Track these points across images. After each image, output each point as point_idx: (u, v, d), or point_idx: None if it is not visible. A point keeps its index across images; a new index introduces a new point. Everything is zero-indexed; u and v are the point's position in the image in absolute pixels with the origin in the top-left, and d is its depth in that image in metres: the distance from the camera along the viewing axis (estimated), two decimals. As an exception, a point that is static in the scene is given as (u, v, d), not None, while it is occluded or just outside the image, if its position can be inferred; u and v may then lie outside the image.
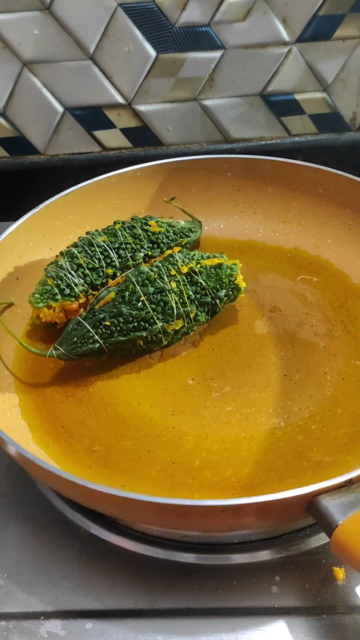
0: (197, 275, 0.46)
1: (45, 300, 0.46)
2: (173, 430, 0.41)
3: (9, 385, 0.45)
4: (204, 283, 0.46)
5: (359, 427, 0.40)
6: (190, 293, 0.45)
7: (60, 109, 0.66)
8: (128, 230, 0.50)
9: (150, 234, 0.50)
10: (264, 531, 0.38)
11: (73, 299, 0.47)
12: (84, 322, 0.43)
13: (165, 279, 0.45)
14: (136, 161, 0.58)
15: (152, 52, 0.62)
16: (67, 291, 0.46)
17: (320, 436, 0.40)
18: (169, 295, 0.44)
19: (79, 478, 0.32)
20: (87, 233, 0.50)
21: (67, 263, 0.47)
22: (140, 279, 0.44)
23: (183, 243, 0.53)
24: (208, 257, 0.48)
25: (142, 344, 0.45)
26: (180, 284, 0.45)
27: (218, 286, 0.46)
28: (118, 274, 0.48)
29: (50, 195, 0.54)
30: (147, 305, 0.44)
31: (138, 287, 0.44)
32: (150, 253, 0.50)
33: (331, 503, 0.30)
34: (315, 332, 0.47)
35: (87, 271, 0.47)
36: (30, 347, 0.44)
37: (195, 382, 0.44)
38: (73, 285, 0.46)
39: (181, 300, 0.45)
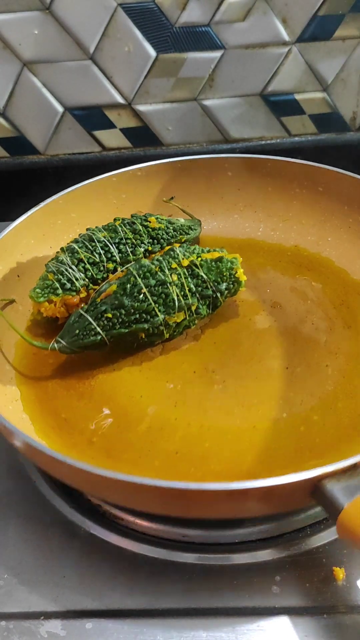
0: (198, 268, 0.46)
1: (46, 295, 0.46)
2: (175, 421, 0.41)
3: (11, 379, 0.45)
4: (204, 276, 0.46)
5: (360, 418, 0.40)
6: (192, 286, 0.45)
7: (60, 109, 0.66)
8: (128, 226, 0.50)
9: (150, 229, 0.51)
10: (264, 531, 0.38)
11: (74, 293, 0.47)
12: (85, 314, 0.44)
13: (167, 271, 0.45)
14: (136, 161, 0.58)
15: (152, 52, 0.62)
16: (68, 285, 0.46)
17: (322, 427, 0.40)
18: (170, 288, 0.44)
19: (84, 463, 0.32)
20: (87, 229, 0.50)
21: (68, 258, 0.47)
22: (141, 272, 0.44)
23: (183, 240, 0.53)
24: (208, 251, 0.48)
25: (143, 337, 0.45)
26: (181, 277, 0.45)
27: (219, 279, 0.46)
28: (119, 269, 0.48)
29: (51, 196, 0.54)
30: (149, 297, 0.44)
31: (139, 280, 0.44)
32: (150, 248, 0.50)
33: (336, 487, 0.30)
34: (316, 327, 0.48)
35: (87, 266, 0.47)
36: (32, 341, 0.45)
37: (197, 375, 0.44)
38: (74, 279, 0.47)
39: (182, 293, 0.45)
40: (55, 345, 0.44)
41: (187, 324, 0.47)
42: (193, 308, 0.46)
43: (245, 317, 0.49)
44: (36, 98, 0.65)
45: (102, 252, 0.48)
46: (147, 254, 0.50)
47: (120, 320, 0.43)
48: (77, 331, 0.43)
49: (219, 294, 0.47)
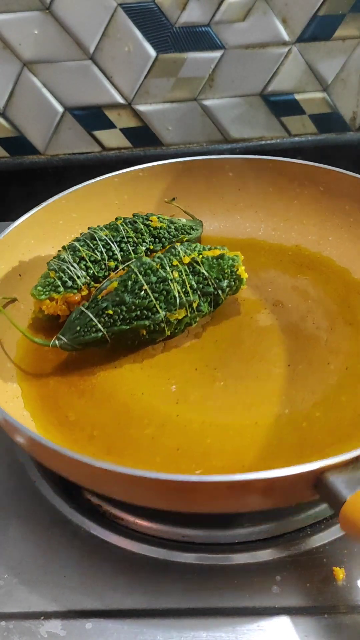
0: (199, 266, 0.46)
1: (47, 293, 0.46)
2: (177, 418, 0.41)
3: (12, 376, 0.45)
4: (206, 273, 0.46)
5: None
6: (193, 283, 0.45)
7: (60, 109, 0.66)
8: (130, 225, 0.50)
9: (152, 228, 0.51)
10: (264, 531, 0.38)
11: (75, 291, 0.47)
12: (86, 311, 0.44)
13: (168, 268, 0.45)
14: (136, 161, 0.58)
15: (152, 52, 0.62)
16: (70, 283, 0.46)
17: (325, 423, 0.40)
18: (171, 284, 0.44)
19: (87, 457, 0.32)
20: (89, 229, 0.50)
21: (70, 256, 0.47)
22: (142, 269, 0.44)
23: (184, 239, 0.53)
24: (210, 249, 0.48)
25: (145, 334, 0.45)
26: (182, 274, 0.45)
27: (220, 276, 0.46)
28: (120, 267, 0.48)
29: (51, 196, 0.54)
30: (150, 294, 0.44)
31: (140, 277, 0.44)
32: (152, 247, 0.50)
33: (338, 479, 0.30)
34: (317, 325, 0.48)
35: (89, 263, 0.47)
36: (33, 337, 0.45)
37: (199, 373, 0.44)
38: (75, 277, 0.47)
39: (184, 290, 0.45)
40: (57, 342, 0.44)
41: (189, 321, 0.47)
42: (194, 305, 0.46)
43: (247, 315, 0.49)
44: (36, 98, 0.65)
45: (103, 250, 0.48)
46: (149, 253, 0.50)
47: (121, 317, 0.43)
48: (78, 328, 0.43)
49: (220, 291, 0.47)
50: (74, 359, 0.46)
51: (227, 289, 0.47)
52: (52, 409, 0.43)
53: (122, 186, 0.57)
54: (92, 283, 0.48)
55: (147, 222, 0.51)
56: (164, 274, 0.44)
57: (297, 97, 0.66)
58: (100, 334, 0.43)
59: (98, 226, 0.50)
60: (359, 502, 0.29)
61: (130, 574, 0.37)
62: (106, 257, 0.48)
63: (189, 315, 0.46)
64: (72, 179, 0.57)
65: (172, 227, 0.53)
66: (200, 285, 0.46)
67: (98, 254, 0.48)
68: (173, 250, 0.47)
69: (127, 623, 0.35)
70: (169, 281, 0.44)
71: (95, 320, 0.43)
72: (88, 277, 0.47)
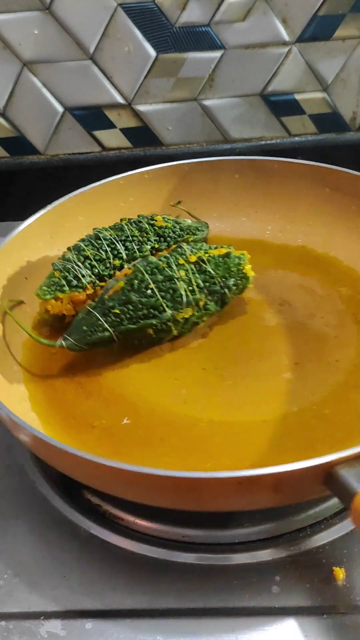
0: (206, 264, 0.46)
1: (52, 292, 0.46)
2: (185, 417, 0.41)
3: (19, 378, 0.45)
4: (212, 272, 0.46)
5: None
6: (199, 281, 0.45)
7: (60, 109, 0.66)
8: (134, 225, 0.50)
9: (156, 228, 0.51)
10: (264, 531, 0.38)
11: (80, 290, 0.46)
12: (93, 310, 0.43)
13: (174, 267, 0.45)
14: (136, 161, 0.58)
15: (152, 52, 0.62)
16: (75, 282, 0.46)
17: (334, 420, 0.40)
18: (178, 283, 0.44)
19: (95, 455, 0.32)
20: (94, 230, 0.50)
21: (74, 256, 0.47)
22: (149, 268, 0.44)
23: (190, 240, 0.53)
24: (216, 248, 0.48)
25: (152, 333, 0.45)
26: (189, 273, 0.45)
27: (227, 275, 0.46)
28: (125, 265, 0.48)
29: (51, 196, 0.54)
30: (156, 293, 0.44)
31: (147, 276, 0.44)
32: (157, 246, 0.50)
33: (349, 473, 0.30)
34: (325, 323, 0.48)
35: (94, 262, 0.47)
36: (39, 338, 0.44)
37: (207, 372, 0.44)
38: (80, 276, 0.46)
39: (190, 288, 0.45)
40: (63, 342, 0.44)
41: (196, 320, 0.46)
42: (201, 304, 0.46)
43: (254, 315, 0.49)
44: (36, 98, 0.65)
45: (108, 249, 0.48)
46: (154, 252, 0.50)
47: (128, 316, 0.43)
48: (84, 328, 0.43)
49: (226, 290, 0.46)
50: (80, 360, 0.46)
51: (234, 288, 0.47)
52: (59, 411, 0.42)
53: (127, 188, 0.57)
54: (97, 282, 0.47)
55: (152, 222, 0.51)
56: (170, 273, 0.44)
57: (297, 97, 0.66)
58: (107, 334, 0.43)
59: (103, 227, 0.50)
60: None
61: (130, 574, 0.37)
62: (111, 256, 0.48)
63: (195, 314, 0.46)
64: (72, 179, 0.57)
65: (178, 227, 0.53)
66: (207, 284, 0.46)
67: (103, 252, 0.48)
68: (179, 249, 0.47)
69: (127, 623, 0.35)
70: (176, 280, 0.44)
71: (102, 320, 0.43)
72: (93, 276, 0.47)
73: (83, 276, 0.47)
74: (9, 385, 0.43)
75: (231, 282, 0.46)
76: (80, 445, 0.40)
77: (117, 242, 0.49)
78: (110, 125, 0.67)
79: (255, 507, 0.37)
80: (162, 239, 0.51)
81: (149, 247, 0.50)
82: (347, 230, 0.55)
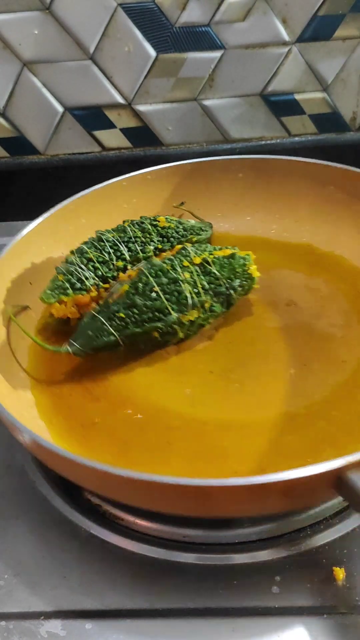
0: (210, 266, 0.46)
1: (56, 295, 0.46)
2: (193, 421, 0.41)
3: (25, 385, 0.44)
4: (217, 273, 0.46)
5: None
6: (204, 283, 0.45)
7: (60, 109, 0.66)
8: (137, 226, 0.50)
9: (159, 228, 0.51)
10: (264, 531, 0.38)
11: (84, 292, 0.46)
12: (98, 315, 0.43)
13: (179, 269, 0.44)
14: (136, 161, 0.58)
15: (152, 52, 0.62)
16: (78, 285, 0.46)
17: (342, 422, 0.40)
18: (183, 285, 0.44)
19: (99, 463, 0.32)
20: (96, 232, 0.50)
21: (77, 258, 0.47)
22: (153, 271, 0.44)
23: (194, 240, 0.53)
24: (220, 249, 0.48)
25: (158, 336, 0.44)
26: (193, 274, 0.45)
27: (232, 276, 0.46)
28: (129, 267, 0.48)
29: (51, 196, 0.54)
30: (161, 295, 0.43)
31: (151, 278, 0.44)
32: (160, 246, 0.50)
33: None
34: (331, 323, 0.47)
35: (97, 265, 0.47)
36: (45, 344, 0.44)
37: (214, 375, 0.44)
38: (84, 278, 0.46)
39: (195, 291, 0.45)
40: (69, 347, 0.43)
41: (202, 322, 0.46)
42: (207, 306, 0.45)
43: (260, 316, 0.49)
44: (36, 98, 0.65)
45: (111, 251, 0.48)
46: (158, 252, 0.50)
47: (133, 319, 0.43)
48: (90, 332, 0.43)
49: (232, 291, 0.46)
50: (86, 365, 0.45)
51: (239, 289, 0.47)
52: (67, 417, 0.42)
53: (130, 189, 0.57)
54: (101, 284, 0.47)
55: (155, 223, 0.51)
56: (174, 275, 0.44)
57: (297, 97, 0.66)
58: (112, 338, 0.43)
59: (106, 230, 0.50)
60: None
61: (130, 574, 0.37)
62: (114, 258, 0.48)
63: (201, 316, 0.46)
64: (72, 179, 0.57)
65: (181, 227, 0.52)
66: (212, 286, 0.46)
67: (106, 254, 0.48)
68: (183, 251, 0.46)
69: (127, 623, 0.35)
70: (180, 282, 0.44)
71: (107, 324, 0.43)
72: (96, 278, 0.47)
73: (86, 278, 0.46)
74: (16, 392, 0.43)
75: (236, 283, 0.46)
76: (88, 454, 0.39)
77: (120, 243, 0.49)
78: (110, 125, 0.67)
79: (265, 513, 0.37)
80: (165, 239, 0.51)
81: (152, 247, 0.50)
82: (352, 229, 0.55)
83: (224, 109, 0.66)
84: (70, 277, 0.46)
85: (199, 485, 0.30)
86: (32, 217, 0.52)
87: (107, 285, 0.48)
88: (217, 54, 0.63)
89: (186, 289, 0.44)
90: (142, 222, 0.51)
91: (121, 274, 0.48)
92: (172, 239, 0.51)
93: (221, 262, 0.46)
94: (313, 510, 0.39)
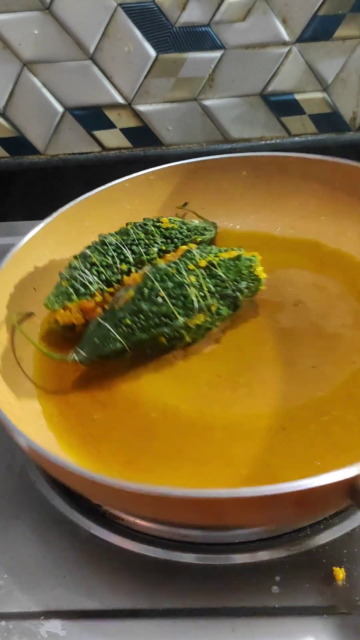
0: (216, 268, 0.45)
1: (60, 302, 0.45)
2: (202, 427, 0.40)
3: (32, 395, 0.44)
4: (223, 275, 0.45)
5: None
6: (210, 286, 0.45)
7: (60, 109, 0.66)
8: (140, 228, 0.50)
9: (163, 229, 0.50)
10: (264, 531, 0.38)
11: (89, 297, 0.46)
12: (104, 322, 0.43)
13: (184, 273, 0.44)
14: (136, 161, 0.58)
15: (152, 52, 0.62)
16: (83, 290, 0.46)
17: (355, 425, 0.39)
18: (189, 289, 0.44)
19: (110, 477, 0.31)
20: (99, 236, 0.50)
21: (81, 263, 0.47)
22: (158, 275, 0.44)
23: (198, 240, 0.52)
24: (226, 251, 0.47)
25: (164, 342, 0.44)
26: (199, 278, 0.44)
27: (238, 278, 0.46)
28: (133, 270, 0.48)
29: (51, 196, 0.54)
30: (167, 300, 0.43)
31: (157, 283, 0.43)
32: (164, 248, 0.50)
33: None
34: (341, 323, 0.47)
35: (101, 269, 0.47)
36: (51, 353, 0.44)
37: (222, 379, 0.43)
38: (88, 283, 0.46)
39: (201, 294, 0.44)
40: (75, 356, 0.43)
41: (209, 326, 0.46)
42: (213, 309, 0.45)
43: (268, 317, 0.48)
44: (36, 98, 0.65)
45: (114, 254, 0.48)
46: (162, 254, 0.50)
47: (139, 325, 0.43)
48: (96, 340, 0.43)
49: (239, 293, 0.46)
50: (93, 371, 0.45)
51: (246, 291, 0.46)
52: (75, 426, 0.41)
53: (133, 191, 0.56)
54: (105, 288, 0.47)
55: (158, 224, 0.51)
56: (180, 279, 0.44)
57: (297, 97, 0.66)
58: (119, 345, 0.43)
59: (109, 233, 0.50)
60: None
61: (130, 574, 0.37)
62: (117, 261, 0.48)
63: (208, 319, 0.45)
64: (72, 179, 0.57)
65: (185, 227, 0.52)
66: (218, 288, 0.45)
67: (109, 258, 0.47)
68: (188, 254, 0.46)
69: (127, 623, 0.35)
70: (186, 286, 0.44)
71: (114, 331, 0.42)
72: (101, 283, 0.47)
73: (91, 283, 0.46)
74: (22, 402, 0.42)
75: (243, 285, 0.46)
76: (98, 464, 0.39)
77: (124, 246, 0.48)
78: (110, 125, 0.67)
79: (277, 523, 0.36)
80: (169, 240, 0.50)
81: (155, 249, 0.49)
82: (358, 225, 0.54)
83: (224, 109, 0.66)
84: (74, 282, 0.46)
85: (211, 498, 0.29)
86: (32, 217, 0.52)
87: (111, 290, 0.47)
88: (217, 54, 0.63)
89: (192, 292, 0.44)
90: (145, 224, 0.50)
91: (126, 278, 0.47)
92: (176, 240, 0.51)
93: (227, 264, 0.46)
94: (313, 510, 0.39)
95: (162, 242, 0.50)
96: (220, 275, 0.45)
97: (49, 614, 0.35)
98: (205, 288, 0.44)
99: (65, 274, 0.47)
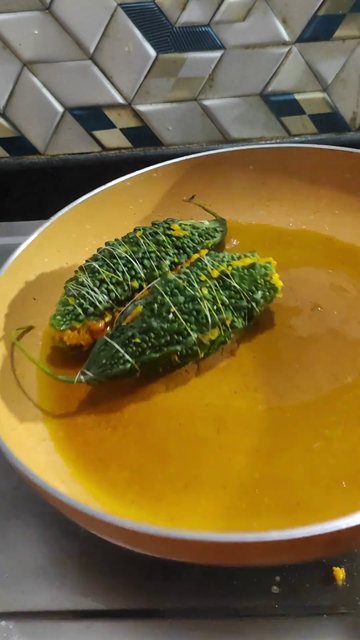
0: (230, 279, 0.42)
1: (68, 322, 0.42)
2: (220, 450, 0.37)
3: (36, 416, 0.41)
4: (237, 286, 0.42)
5: None
6: (224, 298, 0.42)
7: (60, 109, 0.66)
8: (151, 237, 0.47)
9: (174, 239, 0.48)
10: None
11: (98, 318, 0.43)
12: (111, 341, 0.40)
13: (196, 285, 0.41)
14: (136, 161, 0.58)
15: (152, 52, 0.62)
16: (91, 310, 0.43)
17: None
18: (202, 303, 0.41)
19: (120, 518, 0.29)
20: (106, 244, 0.47)
21: (89, 279, 0.44)
22: (168, 289, 0.41)
23: (209, 245, 0.50)
24: (239, 258, 0.44)
25: (177, 359, 0.41)
26: (212, 290, 0.41)
27: (253, 288, 0.43)
28: (144, 286, 0.45)
29: (51, 196, 0.54)
30: (179, 316, 0.40)
31: (167, 298, 0.40)
32: (176, 260, 0.47)
33: None
34: None
35: (110, 286, 0.44)
36: (56, 375, 0.41)
37: (239, 395, 0.41)
38: (97, 302, 0.43)
39: (215, 307, 0.41)
40: (82, 377, 0.40)
41: (223, 340, 0.42)
42: (228, 322, 0.42)
43: (284, 324, 0.45)
44: (36, 98, 0.65)
45: (125, 269, 0.45)
46: (174, 266, 0.47)
47: (150, 344, 0.40)
48: (104, 361, 0.40)
49: (254, 304, 0.43)
50: (101, 391, 0.42)
51: (262, 300, 0.43)
52: (84, 451, 0.39)
53: (135, 189, 0.54)
54: (115, 307, 0.44)
55: (169, 232, 0.48)
56: (192, 292, 0.41)
57: (297, 97, 0.66)
58: (128, 365, 0.40)
59: (116, 240, 0.47)
60: None
61: (130, 574, 0.37)
62: (128, 277, 0.44)
63: (222, 333, 0.42)
64: (72, 179, 0.57)
65: (196, 233, 0.49)
66: (233, 300, 0.42)
67: (119, 274, 0.44)
68: (199, 263, 0.43)
69: (127, 623, 0.35)
70: (198, 300, 0.41)
71: (122, 351, 0.39)
72: (110, 302, 0.44)
73: (100, 302, 0.43)
74: (26, 426, 0.40)
75: (259, 295, 0.43)
76: (109, 492, 0.36)
77: (134, 260, 0.45)
78: (110, 125, 0.67)
79: (304, 560, 0.34)
80: (181, 250, 0.48)
81: (168, 262, 0.46)
82: None
83: (224, 109, 0.66)
84: (82, 300, 0.43)
85: (237, 542, 0.28)
86: (32, 217, 0.52)
87: (121, 309, 0.44)
88: (217, 54, 0.63)
89: (205, 307, 0.40)
90: (156, 232, 0.47)
91: (136, 295, 0.44)
92: (188, 250, 0.48)
93: (241, 273, 0.43)
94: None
95: (174, 253, 0.47)
96: (234, 286, 0.42)
97: (49, 614, 0.35)
98: (218, 301, 0.41)
99: (73, 290, 0.44)
